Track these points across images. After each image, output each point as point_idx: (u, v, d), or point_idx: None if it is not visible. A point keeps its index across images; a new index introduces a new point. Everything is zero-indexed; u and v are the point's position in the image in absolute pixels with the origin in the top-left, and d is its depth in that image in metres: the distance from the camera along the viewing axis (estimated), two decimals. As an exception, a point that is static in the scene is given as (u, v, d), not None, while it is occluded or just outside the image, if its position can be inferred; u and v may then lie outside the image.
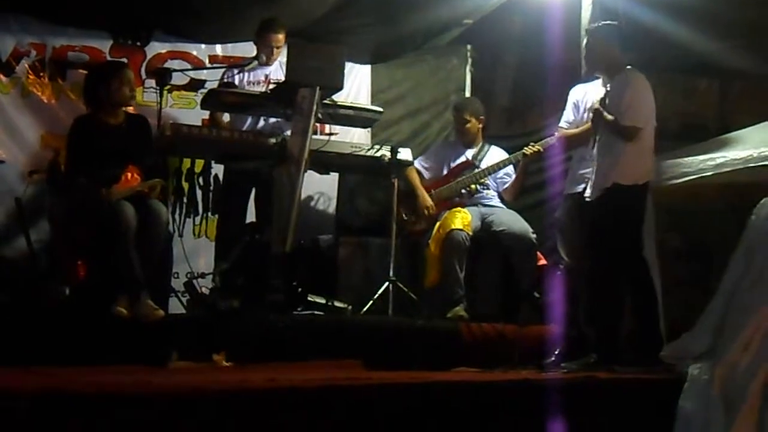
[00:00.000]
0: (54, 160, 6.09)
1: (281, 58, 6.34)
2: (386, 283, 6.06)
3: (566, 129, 5.86)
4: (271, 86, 6.26)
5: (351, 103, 6.60)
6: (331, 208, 7.18)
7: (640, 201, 5.38)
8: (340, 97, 6.16)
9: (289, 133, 5.95)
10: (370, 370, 4.84)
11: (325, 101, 5.92)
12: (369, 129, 7.25)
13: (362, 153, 6.24)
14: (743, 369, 4.17)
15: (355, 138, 7.16)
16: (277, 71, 6.41)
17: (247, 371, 4.71)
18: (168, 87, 6.29)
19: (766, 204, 4.60)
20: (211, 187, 6.47)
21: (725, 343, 4.36)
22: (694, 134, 6.71)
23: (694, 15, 6.20)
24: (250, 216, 6.46)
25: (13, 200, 6.19)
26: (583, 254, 5.53)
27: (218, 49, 7.27)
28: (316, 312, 5.89)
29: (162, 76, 6.14)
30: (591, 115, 5.49)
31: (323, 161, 6.09)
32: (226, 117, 6.56)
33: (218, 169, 6.47)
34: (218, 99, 6.14)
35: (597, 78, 5.66)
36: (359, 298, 6.14)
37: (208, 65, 7.13)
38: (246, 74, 6.47)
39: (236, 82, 6.42)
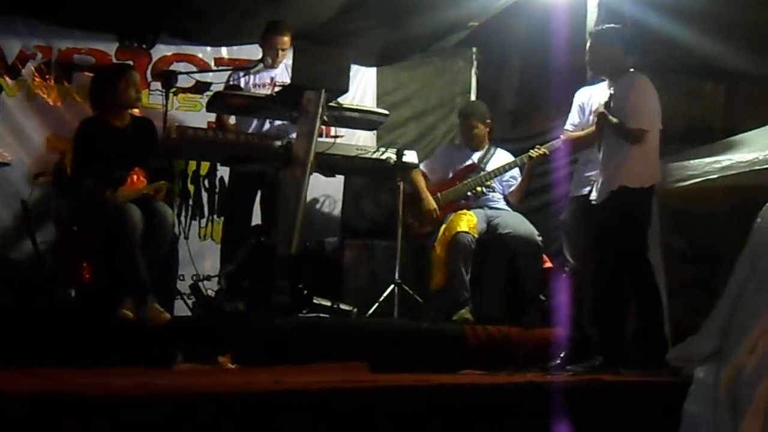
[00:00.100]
0: (60, 162, 6.12)
1: (287, 60, 6.34)
2: (391, 286, 6.05)
3: (572, 131, 5.84)
4: (277, 89, 6.24)
5: (356, 105, 6.58)
6: (337, 211, 7.18)
7: (646, 204, 5.38)
8: (345, 100, 6.14)
9: (294, 135, 5.94)
10: (376, 372, 4.83)
11: (331, 104, 5.91)
12: (374, 131, 7.24)
13: (368, 155, 6.24)
14: (750, 372, 4.15)
15: (360, 140, 7.15)
16: (282, 74, 6.41)
17: (252, 373, 4.71)
18: (174, 89, 6.27)
19: (772, 207, 4.59)
20: (217, 190, 6.50)
21: (731, 346, 4.33)
22: (700, 137, 6.69)
23: (700, 17, 6.19)
24: (256, 218, 6.46)
25: (19, 203, 6.19)
26: (589, 257, 5.52)
27: (224, 52, 7.28)
28: (321, 314, 5.91)
29: (168, 79, 6.14)
30: (596, 118, 5.50)
31: (329, 164, 6.09)
32: (231, 119, 6.56)
33: (224, 172, 6.49)
34: (224, 101, 6.14)
35: (603, 80, 5.63)
36: (365, 300, 6.14)
37: (214, 68, 7.15)
38: (251, 77, 6.47)
39: (242, 84, 6.41)
